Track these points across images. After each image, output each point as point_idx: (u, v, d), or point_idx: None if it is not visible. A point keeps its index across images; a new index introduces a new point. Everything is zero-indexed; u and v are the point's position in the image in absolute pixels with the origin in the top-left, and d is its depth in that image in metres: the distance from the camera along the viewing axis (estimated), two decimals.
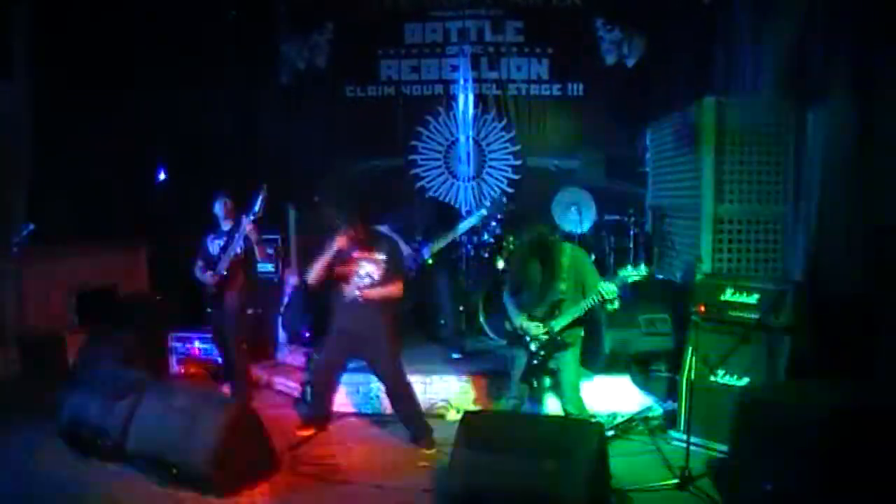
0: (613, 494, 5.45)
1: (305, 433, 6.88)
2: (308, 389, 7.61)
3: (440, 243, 8.64)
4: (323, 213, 7.10)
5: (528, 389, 6.30)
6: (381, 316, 6.71)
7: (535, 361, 6.11)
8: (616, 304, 5.98)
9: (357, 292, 6.59)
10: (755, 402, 5.57)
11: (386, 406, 7.34)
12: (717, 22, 9.44)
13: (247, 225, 7.40)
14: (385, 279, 6.66)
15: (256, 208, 7.35)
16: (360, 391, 7.47)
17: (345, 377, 7.63)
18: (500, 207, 8.99)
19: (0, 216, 9.18)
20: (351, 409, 7.69)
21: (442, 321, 9.01)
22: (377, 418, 7.06)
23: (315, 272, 6.75)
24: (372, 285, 6.63)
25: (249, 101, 11.11)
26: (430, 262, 8.70)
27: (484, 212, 8.84)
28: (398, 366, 6.86)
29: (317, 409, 7.09)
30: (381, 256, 6.68)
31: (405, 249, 8.51)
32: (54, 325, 8.88)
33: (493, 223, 9.23)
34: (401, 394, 6.85)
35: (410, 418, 6.86)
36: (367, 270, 6.65)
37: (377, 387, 7.45)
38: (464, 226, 8.77)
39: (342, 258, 6.68)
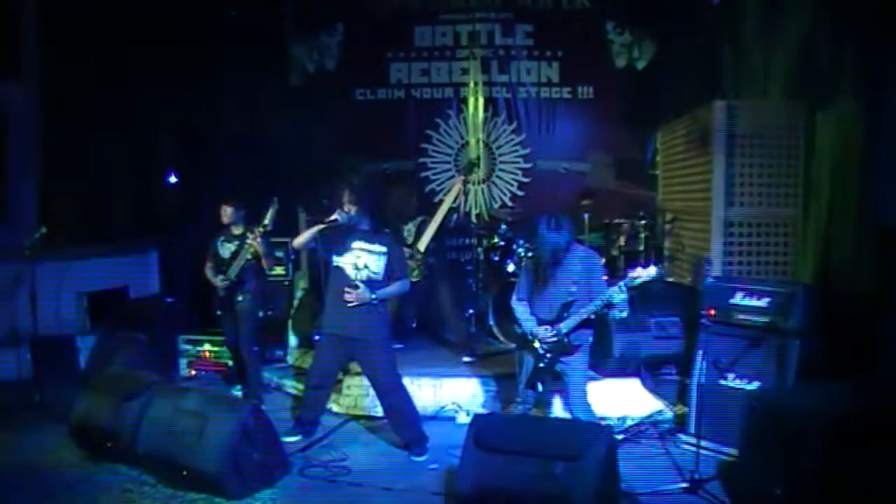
0: (623, 498, 5.46)
1: (291, 439, 6.75)
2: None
3: (429, 233, 8.62)
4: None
5: (535, 393, 6.28)
6: (374, 316, 6.59)
7: (542, 364, 6.10)
8: (625, 313, 5.95)
9: (354, 295, 6.46)
10: (765, 406, 5.55)
11: None
12: (726, 25, 9.43)
13: (255, 238, 7.43)
14: (386, 275, 6.58)
15: (267, 221, 7.38)
16: (370, 394, 7.46)
17: (355, 379, 7.68)
18: (469, 170, 9.02)
19: (12, 218, 9.23)
20: (361, 412, 7.69)
21: (448, 331, 9.00)
22: (387, 421, 7.04)
23: (302, 237, 6.70)
24: (371, 280, 6.54)
25: (259, 103, 11.11)
26: (423, 251, 8.65)
27: (458, 185, 8.84)
28: (393, 371, 6.78)
29: (308, 414, 7.01)
30: (382, 248, 6.57)
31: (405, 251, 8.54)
32: (65, 328, 8.92)
33: (503, 226, 9.25)
34: (394, 398, 6.74)
35: (403, 425, 6.75)
36: (366, 262, 6.54)
37: None
38: (444, 207, 8.75)
39: (340, 245, 6.60)
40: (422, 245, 8.57)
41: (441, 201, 9.40)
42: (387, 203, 9.06)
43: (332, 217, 6.57)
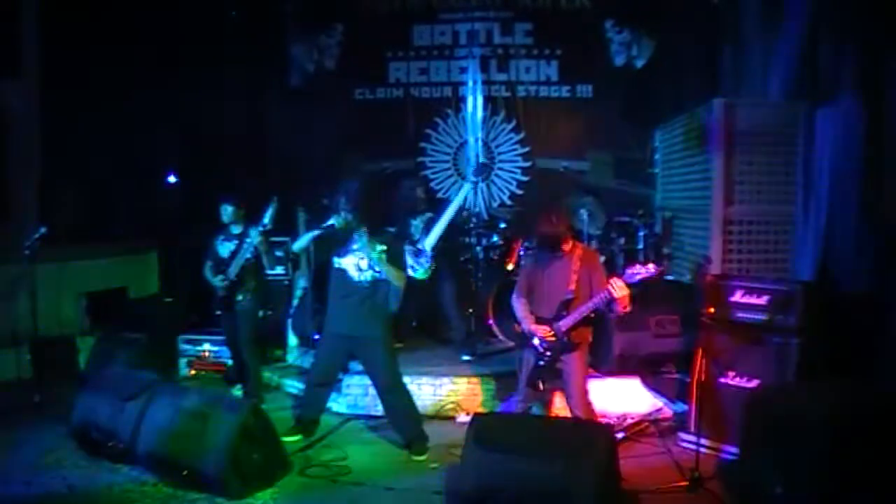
0: (623, 496, 5.46)
1: (291, 439, 6.76)
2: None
3: (437, 232, 8.60)
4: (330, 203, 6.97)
5: (535, 391, 6.28)
6: (376, 317, 6.63)
7: (542, 363, 6.11)
8: (629, 308, 5.95)
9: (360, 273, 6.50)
10: (765, 404, 5.56)
11: None
12: (725, 23, 9.43)
13: (256, 237, 7.44)
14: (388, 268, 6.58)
15: (266, 220, 7.39)
16: (370, 393, 7.46)
17: (354, 379, 7.68)
18: (483, 172, 8.96)
19: (12, 218, 9.23)
20: (361, 412, 7.69)
21: (451, 330, 9.00)
22: (387, 420, 7.05)
23: (300, 241, 6.83)
24: (375, 281, 6.54)
25: (259, 103, 11.14)
26: (430, 250, 8.62)
27: (468, 185, 8.77)
28: (394, 369, 6.78)
29: (309, 413, 7.02)
30: (382, 248, 6.54)
31: (409, 250, 8.50)
32: (65, 328, 8.92)
33: (503, 224, 9.25)
34: (395, 397, 6.76)
35: (403, 423, 6.77)
36: (368, 263, 6.55)
37: None
38: (454, 206, 8.72)
39: (340, 248, 6.61)
40: (429, 244, 8.55)
41: (445, 199, 9.41)
42: (394, 196, 9.06)
43: (329, 223, 6.61)
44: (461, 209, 8.96)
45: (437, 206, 9.04)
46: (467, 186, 8.90)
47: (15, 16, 9.32)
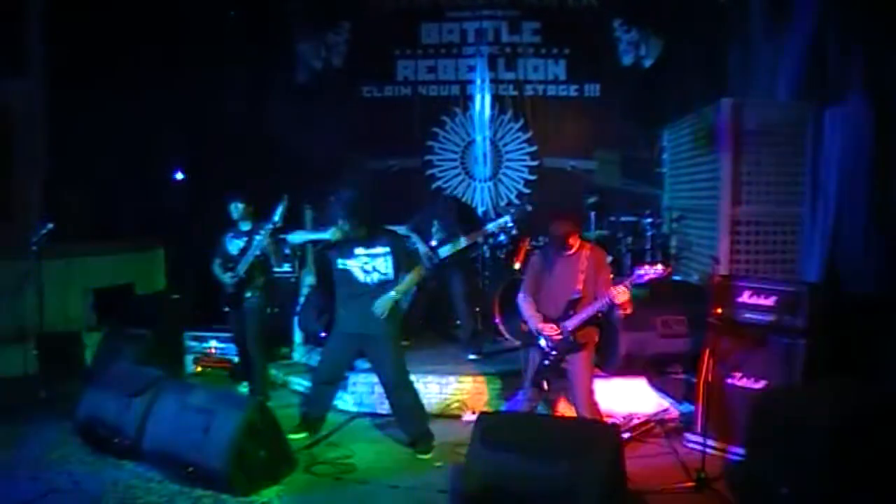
0: (629, 496, 5.44)
1: (297, 436, 6.75)
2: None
3: (458, 246, 8.58)
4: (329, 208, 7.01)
5: (540, 391, 6.27)
6: (386, 315, 6.62)
7: (548, 362, 6.09)
8: (629, 310, 5.93)
9: (380, 309, 6.46)
10: (772, 405, 5.54)
11: None
12: (733, 23, 9.41)
13: (265, 234, 7.43)
14: (396, 272, 6.59)
15: (276, 217, 7.38)
16: (376, 391, 7.46)
17: (360, 377, 7.67)
18: (522, 216, 8.91)
19: (18, 215, 9.24)
20: (367, 410, 7.69)
21: (458, 321, 8.99)
22: (393, 418, 7.05)
23: (299, 237, 6.88)
24: (383, 282, 6.56)
25: (266, 101, 11.13)
26: (441, 257, 8.62)
27: (507, 219, 8.73)
28: (401, 367, 6.76)
29: (315, 410, 7.02)
30: (384, 249, 6.58)
31: (422, 249, 8.47)
32: (72, 324, 8.93)
33: (510, 224, 9.23)
34: (401, 394, 6.73)
35: (409, 421, 6.76)
36: (374, 265, 6.55)
37: None
38: (486, 230, 8.71)
39: (345, 251, 6.62)
40: (443, 252, 8.52)
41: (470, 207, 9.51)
42: (432, 210, 9.02)
43: (326, 235, 6.71)
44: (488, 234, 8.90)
45: (465, 215, 8.99)
46: (506, 218, 8.80)
47: (20, 15, 9.35)
